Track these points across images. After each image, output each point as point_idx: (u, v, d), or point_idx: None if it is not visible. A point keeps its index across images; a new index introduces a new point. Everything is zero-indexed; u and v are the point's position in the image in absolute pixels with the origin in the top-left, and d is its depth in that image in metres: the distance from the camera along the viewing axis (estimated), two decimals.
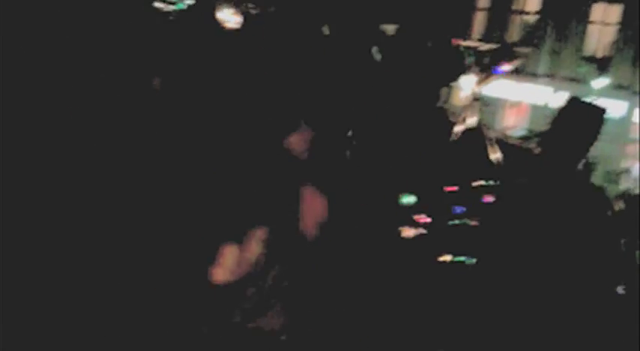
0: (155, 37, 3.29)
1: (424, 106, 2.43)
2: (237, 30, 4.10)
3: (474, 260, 3.12)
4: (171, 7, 5.02)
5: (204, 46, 3.44)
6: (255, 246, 2.18)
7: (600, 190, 3.17)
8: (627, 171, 19.24)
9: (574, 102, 3.32)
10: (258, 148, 2.29)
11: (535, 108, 21.10)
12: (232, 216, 2.18)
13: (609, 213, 3.07)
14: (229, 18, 5.08)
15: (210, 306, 2.16)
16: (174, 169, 2.73)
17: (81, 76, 2.76)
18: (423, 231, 3.13)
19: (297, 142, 2.29)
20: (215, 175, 2.36)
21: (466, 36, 21.02)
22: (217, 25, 4.03)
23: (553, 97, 19.60)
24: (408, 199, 2.64)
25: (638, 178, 18.60)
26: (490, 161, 4.59)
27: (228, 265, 2.14)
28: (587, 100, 3.41)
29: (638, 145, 19.30)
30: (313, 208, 2.21)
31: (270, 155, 2.26)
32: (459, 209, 3.69)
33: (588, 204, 3.03)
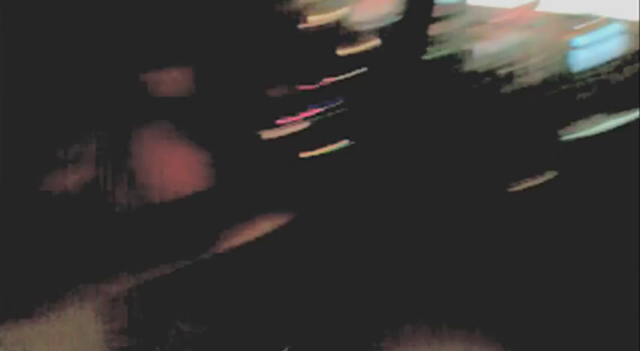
0: None
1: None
2: None
3: (349, 144, 3.19)
4: None
5: None
6: None
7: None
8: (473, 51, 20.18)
9: None
10: None
11: None
12: None
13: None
14: None
15: None
16: None
17: None
18: (286, 131, 3.14)
19: None
20: None
21: None
22: None
23: None
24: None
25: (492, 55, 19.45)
26: (347, 56, 4.62)
27: None
28: None
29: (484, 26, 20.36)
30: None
31: None
32: (315, 106, 3.73)
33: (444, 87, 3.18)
